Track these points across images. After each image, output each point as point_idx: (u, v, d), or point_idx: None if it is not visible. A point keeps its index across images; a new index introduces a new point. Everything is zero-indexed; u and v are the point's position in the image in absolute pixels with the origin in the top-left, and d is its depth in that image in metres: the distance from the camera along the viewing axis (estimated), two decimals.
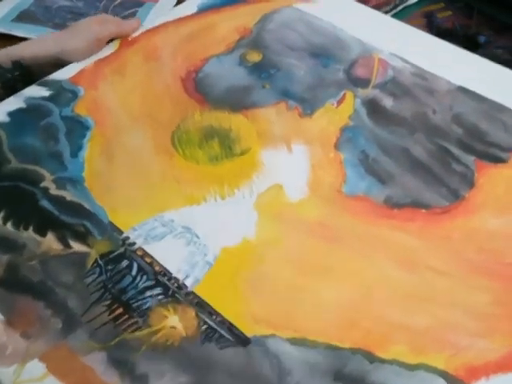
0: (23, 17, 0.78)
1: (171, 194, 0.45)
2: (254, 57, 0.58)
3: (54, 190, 0.45)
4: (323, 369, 0.34)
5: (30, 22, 0.77)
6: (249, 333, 0.36)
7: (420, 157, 0.48)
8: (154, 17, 0.77)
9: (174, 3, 0.71)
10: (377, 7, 0.73)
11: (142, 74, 0.57)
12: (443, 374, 0.34)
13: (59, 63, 0.57)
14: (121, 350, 0.36)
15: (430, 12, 0.76)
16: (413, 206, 0.44)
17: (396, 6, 0.78)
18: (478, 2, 0.72)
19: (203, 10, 0.64)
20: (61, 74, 0.56)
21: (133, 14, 0.79)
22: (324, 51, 0.59)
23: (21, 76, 0.56)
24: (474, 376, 0.34)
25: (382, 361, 0.35)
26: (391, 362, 0.35)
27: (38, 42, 0.59)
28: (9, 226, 0.43)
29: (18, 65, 0.55)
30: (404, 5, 0.78)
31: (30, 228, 0.43)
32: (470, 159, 0.47)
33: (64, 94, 0.54)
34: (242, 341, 0.36)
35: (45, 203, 0.44)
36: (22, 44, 0.58)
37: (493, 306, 0.37)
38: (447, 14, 0.74)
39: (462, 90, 0.53)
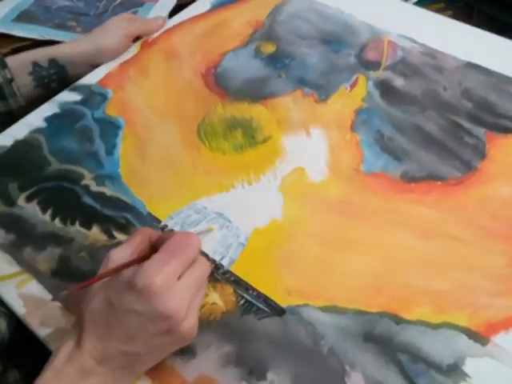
0: (23, 17, 0.78)
1: (202, 183, 0.49)
2: (268, 48, 0.61)
3: (94, 187, 0.49)
4: (354, 332, 0.38)
5: (30, 22, 0.77)
6: (283, 304, 0.40)
7: (432, 132, 0.50)
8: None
9: (174, 3, 0.72)
10: None
11: (164, 72, 0.60)
12: (465, 331, 0.37)
13: (93, 62, 0.60)
14: None
15: None
16: (428, 179, 0.47)
17: None
18: (478, 1, 0.72)
19: (216, 7, 0.67)
20: (89, 79, 0.60)
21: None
22: (334, 38, 0.61)
23: (56, 75, 0.59)
24: (493, 331, 0.37)
25: (408, 322, 0.38)
26: (416, 323, 0.38)
27: (74, 43, 0.62)
28: (56, 222, 0.47)
29: (54, 63, 0.59)
30: None
31: (77, 223, 0.47)
32: (480, 131, 0.50)
33: (94, 97, 0.58)
34: (278, 311, 0.39)
35: (87, 199, 0.48)
36: (59, 45, 0.61)
37: (508, 267, 0.40)
38: (447, 13, 0.73)
39: (470, 66, 0.56)
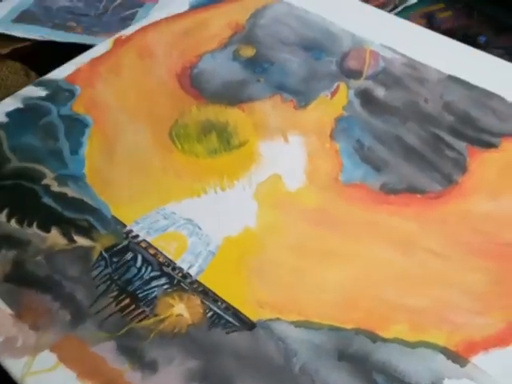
0: (23, 17, 0.76)
1: (172, 187, 0.46)
2: (248, 52, 0.59)
3: (55, 187, 0.46)
4: (328, 349, 0.35)
5: (30, 22, 0.75)
6: (254, 317, 0.37)
7: (413, 144, 0.49)
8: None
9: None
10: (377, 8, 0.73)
11: (138, 71, 0.57)
12: (443, 350, 0.35)
13: None
14: (129, 338, 0.36)
15: (430, 12, 0.76)
16: (408, 192, 0.45)
17: (396, 7, 0.78)
18: (479, 2, 0.72)
19: (195, 8, 0.65)
20: (57, 74, 0.57)
21: (133, 15, 0.79)
22: (316, 45, 0.60)
23: None
24: (472, 351, 0.35)
25: (384, 340, 0.36)
26: (393, 341, 0.36)
27: None
28: (12, 223, 0.44)
29: None
30: (404, 5, 0.77)
31: (34, 224, 0.43)
32: (461, 145, 0.48)
33: (61, 93, 0.54)
34: (248, 325, 0.37)
35: (47, 200, 0.45)
36: None
37: (489, 284, 0.39)
38: (447, 14, 0.73)
39: (452, 79, 0.55)
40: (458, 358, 0.35)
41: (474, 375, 0.34)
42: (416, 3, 0.77)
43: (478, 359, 0.35)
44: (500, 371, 0.34)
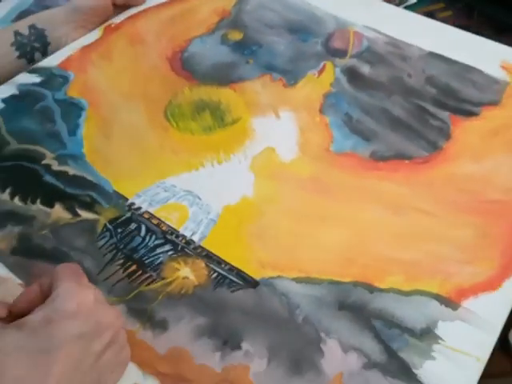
0: (23, 17, 0.72)
1: (170, 162, 0.47)
2: (235, 36, 0.61)
3: (56, 166, 0.47)
4: (328, 301, 0.37)
5: None
6: (257, 276, 0.39)
7: (399, 115, 0.51)
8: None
9: None
10: None
11: (129, 56, 0.59)
12: (436, 297, 0.37)
13: (71, 21, 0.60)
14: (138, 301, 0.38)
15: (430, 12, 0.76)
16: (396, 158, 0.47)
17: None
18: (479, 2, 0.73)
19: None
20: (49, 61, 0.58)
21: None
22: (301, 27, 0.62)
23: (37, 41, 0.58)
24: (463, 296, 0.37)
25: (381, 290, 0.38)
26: (388, 291, 0.38)
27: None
28: (16, 200, 0.45)
29: (33, 29, 0.58)
30: (404, 5, 0.78)
31: (38, 201, 0.44)
32: (445, 115, 0.51)
33: (55, 79, 0.56)
34: (251, 283, 0.38)
35: (49, 178, 0.46)
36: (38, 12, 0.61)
37: (476, 238, 0.41)
38: (447, 14, 0.74)
39: (433, 55, 0.57)
40: (450, 303, 0.37)
41: (466, 317, 0.36)
42: (416, 3, 0.78)
43: (469, 303, 0.37)
44: (488, 312, 0.36)
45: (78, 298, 0.31)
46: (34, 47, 0.59)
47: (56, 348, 0.29)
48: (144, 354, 0.35)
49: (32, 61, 0.59)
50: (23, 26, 0.58)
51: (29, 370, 0.28)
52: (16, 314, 0.32)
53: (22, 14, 0.76)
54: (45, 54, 0.59)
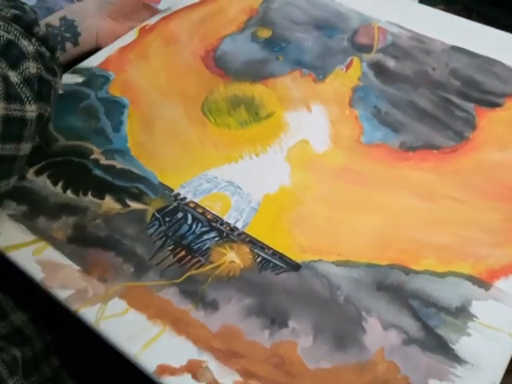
0: None
1: (210, 156, 0.50)
2: (264, 33, 0.64)
3: (103, 161, 0.50)
4: (367, 282, 0.40)
5: None
6: (298, 260, 0.42)
7: (426, 107, 0.54)
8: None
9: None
10: None
11: (165, 56, 0.62)
12: (469, 278, 0.40)
13: (101, 12, 0.63)
14: (190, 283, 0.41)
15: None
16: (425, 148, 0.50)
17: None
18: (477, 3, 0.75)
19: None
20: (89, 63, 0.61)
21: None
22: (327, 24, 0.64)
23: (67, 31, 0.61)
24: (495, 277, 0.40)
25: (416, 272, 0.40)
26: (424, 273, 0.40)
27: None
28: (68, 193, 0.48)
29: (64, 20, 0.61)
30: None
31: (89, 193, 0.47)
32: (470, 106, 0.53)
33: (96, 79, 0.59)
34: (294, 267, 0.41)
35: (98, 172, 0.49)
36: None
37: (504, 222, 0.43)
38: None
39: (456, 49, 0.60)
40: (482, 283, 0.39)
41: (498, 296, 0.39)
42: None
43: (500, 283, 0.39)
44: None
45: None
46: (64, 37, 0.61)
47: None
48: (198, 332, 0.38)
49: (63, 50, 0.61)
50: (55, 19, 0.61)
51: None
52: None
53: None
54: (76, 45, 0.62)
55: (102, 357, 0.42)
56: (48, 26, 0.60)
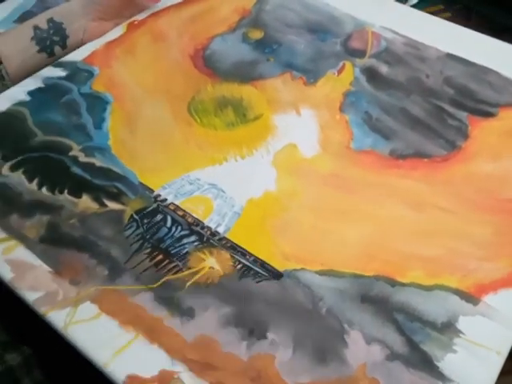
0: (25, 18, 0.73)
1: (194, 156, 0.49)
2: (256, 34, 0.62)
3: (82, 158, 0.48)
4: (351, 294, 0.38)
5: None
6: (280, 268, 0.40)
7: (418, 115, 0.52)
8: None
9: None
10: None
11: (152, 53, 0.60)
12: (456, 292, 0.38)
13: (88, 14, 0.60)
14: (166, 289, 0.39)
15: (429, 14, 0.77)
16: (415, 157, 0.48)
17: None
18: (477, 4, 0.74)
19: None
20: (74, 56, 0.59)
21: None
22: (320, 27, 0.63)
23: (56, 34, 0.59)
24: (483, 291, 0.38)
25: (402, 284, 0.39)
26: (410, 285, 0.39)
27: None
28: (44, 190, 0.46)
29: (51, 22, 0.58)
30: None
31: (65, 191, 0.46)
32: (463, 115, 0.52)
33: (80, 74, 0.57)
34: (275, 275, 0.39)
35: (76, 169, 0.47)
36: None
37: (494, 235, 0.42)
38: (446, 15, 0.74)
39: (450, 57, 0.58)
40: (470, 298, 0.38)
41: (486, 312, 0.37)
42: (415, 4, 0.79)
43: (489, 299, 0.38)
44: (507, 308, 0.37)
45: None
46: (53, 41, 0.59)
47: None
48: (172, 341, 0.36)
49: (52, 55, 0.60)
50: (42, 21, 0.59)
51: None
52: None
53: (25, 15, 0.76)
54: (64, 48, 0.60)
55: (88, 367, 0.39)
56: (36, 28, 0.58)
